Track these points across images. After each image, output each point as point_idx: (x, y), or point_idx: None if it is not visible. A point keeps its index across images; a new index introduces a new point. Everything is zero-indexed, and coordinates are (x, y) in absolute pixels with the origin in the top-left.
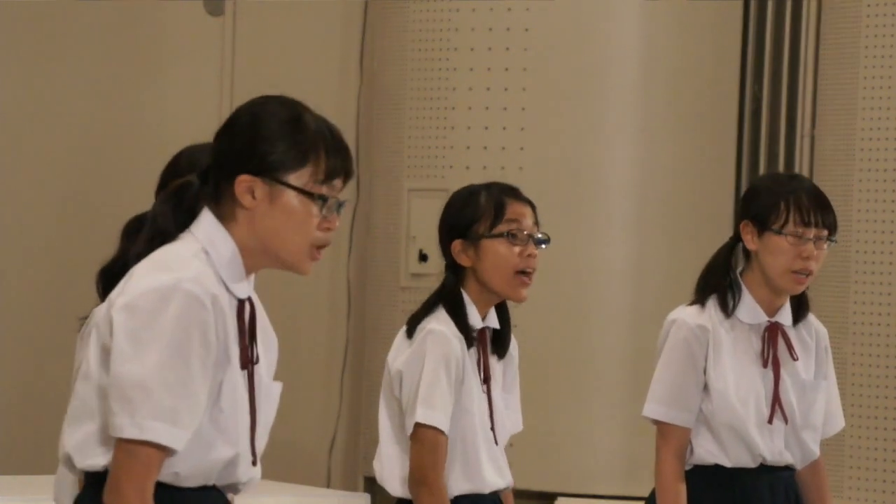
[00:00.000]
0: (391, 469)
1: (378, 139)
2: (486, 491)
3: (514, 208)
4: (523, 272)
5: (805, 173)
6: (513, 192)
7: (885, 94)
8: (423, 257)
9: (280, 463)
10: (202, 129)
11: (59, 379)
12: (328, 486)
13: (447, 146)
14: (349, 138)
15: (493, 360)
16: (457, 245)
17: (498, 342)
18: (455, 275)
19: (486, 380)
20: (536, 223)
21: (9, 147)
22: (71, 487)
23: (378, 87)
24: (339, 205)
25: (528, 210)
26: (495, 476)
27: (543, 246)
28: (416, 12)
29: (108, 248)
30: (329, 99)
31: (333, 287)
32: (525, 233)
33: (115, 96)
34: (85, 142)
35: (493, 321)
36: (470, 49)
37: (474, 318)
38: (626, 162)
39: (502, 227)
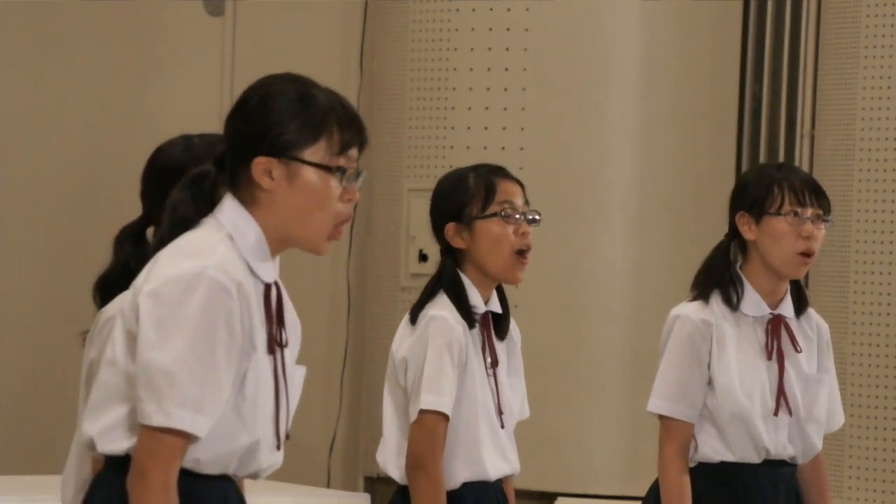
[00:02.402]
0: (394, 457)
1: (378, 139)
2: (492, 478)
3: (504, 188)
4: (520, 251)
5: None
6: (501, 172)
7: (885, 94)
8: (423, 257)
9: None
10: (202, 129)
11: (60, 380)
12: (328, 486)
13: (447, 146)
14: None
15: (496, 345)
16: (450, 228)
17: (498, 324)
18: (451, 259)
19: (494, 364)
20: (527, 202)
21: (8, 148)
22: (77, 483)
23: (378, 87)
24: (358, 174)
25: (517, 189)
26: (500, 461)
27: (536, 223)
28: (416, 12)
29: (108, 249)
30: None
31: (333, 287)
32: (518, 211)
33: (114, 96)
34: (85, 142)
35: (496, 305)
36: (470, 49)
37: (476, 300)
38: (626, 161)
39: (494, 208)
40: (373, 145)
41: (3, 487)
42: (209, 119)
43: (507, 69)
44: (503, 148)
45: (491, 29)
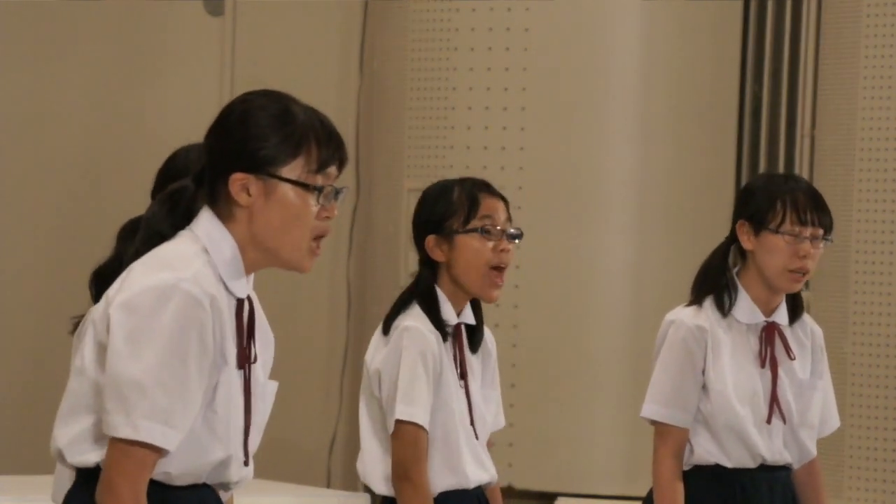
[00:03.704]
0: (374, 467)
1: (378, 139)
2: (471, 486)
3: (487, 203)
4: (497, 268)
5: (805, 173)
6: (486, 187)
7: (885, 94)
8: None
9: (280, 463)
10: (202, 129)
11: (59, 379)
12: (328, 486)
13: (447, 146)
14: (349, 138)
15: (469, 356)
16: (430, 240)
17: (471, 337)
18: (429, 270)
19: (463, 375)
20: (509, 218)
21: (8, 148)
22: (69, 484)
23: (378, 87)
24: (337, 192)
25: (500, 205)
26: (478, 470)
27: (516, 241)
28: (416, 12)
29: (107, 248)
30: (329, 99)
31: (333, 287)
32: (498, 228)
33: (115, 97)
34: (84, 142)
35: (469, 317)
36: (470, 49)
37: (448, 314)
38: (626, 162)
39: (476, 223)
40: (373, 145)
41: (2, 487)
42: (209, 119)
43: (507, 69)
44: (503, 148)
45: (491, 29)
